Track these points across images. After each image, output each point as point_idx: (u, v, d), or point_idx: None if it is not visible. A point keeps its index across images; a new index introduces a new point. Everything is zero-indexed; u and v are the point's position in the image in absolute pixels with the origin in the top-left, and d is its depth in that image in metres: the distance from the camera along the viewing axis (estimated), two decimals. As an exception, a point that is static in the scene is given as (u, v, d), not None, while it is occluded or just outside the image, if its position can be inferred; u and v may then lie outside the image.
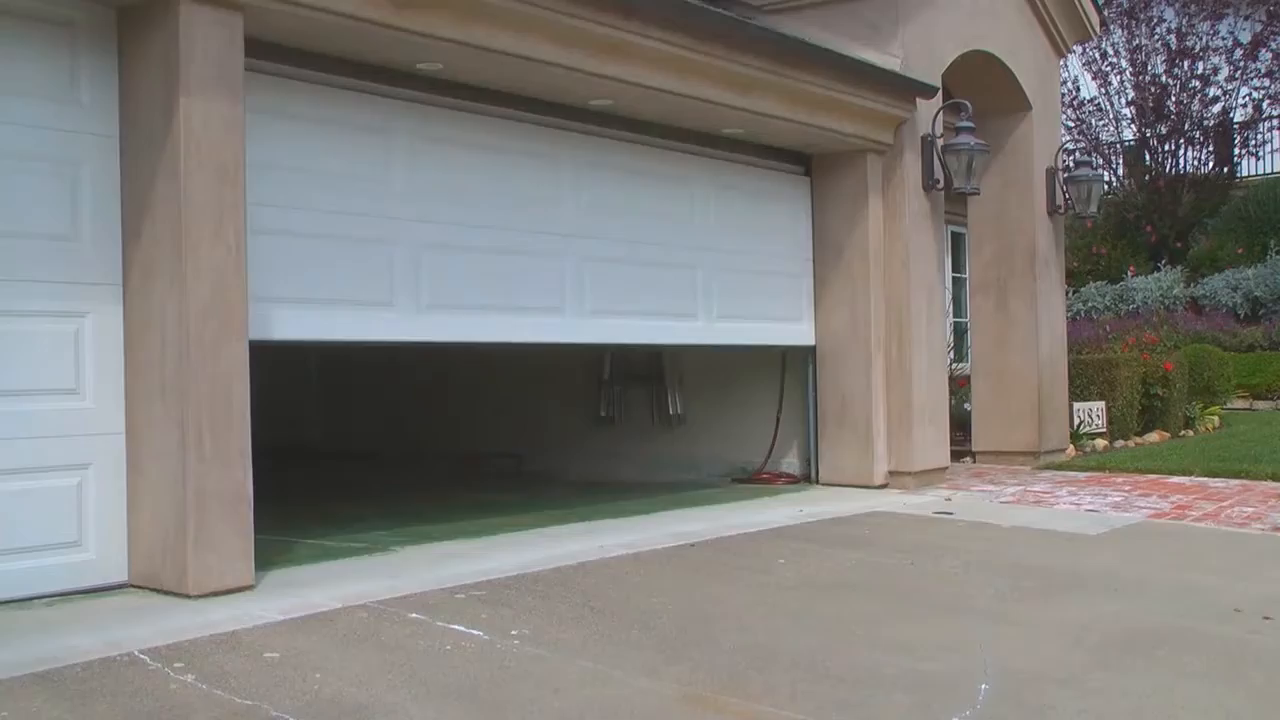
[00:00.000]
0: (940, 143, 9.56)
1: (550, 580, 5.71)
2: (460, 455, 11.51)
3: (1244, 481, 9.75)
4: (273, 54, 5.88)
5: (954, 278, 15.46)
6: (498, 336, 7.14)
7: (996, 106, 10.96)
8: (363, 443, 12.70)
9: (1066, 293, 13.81)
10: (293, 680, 4.13)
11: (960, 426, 11.48)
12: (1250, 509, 8.33)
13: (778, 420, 9.83)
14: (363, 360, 12.30)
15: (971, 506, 8.45)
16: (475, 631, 4.78)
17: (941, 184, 9.60)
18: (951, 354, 12.92)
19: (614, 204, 7.89)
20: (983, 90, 10.49)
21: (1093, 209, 11.46)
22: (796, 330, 9.35)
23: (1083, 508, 8.44)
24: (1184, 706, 4.16)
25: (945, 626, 5.15)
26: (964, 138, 9.42)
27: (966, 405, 11.81)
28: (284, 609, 5.02)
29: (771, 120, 8.35)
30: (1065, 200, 11.41)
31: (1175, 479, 9.95)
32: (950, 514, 8.07)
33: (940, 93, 9.60)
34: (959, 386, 11.99)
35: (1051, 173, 11.32)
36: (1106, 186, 22.19)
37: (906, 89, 9.15)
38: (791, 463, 9.78)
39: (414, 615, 4.99)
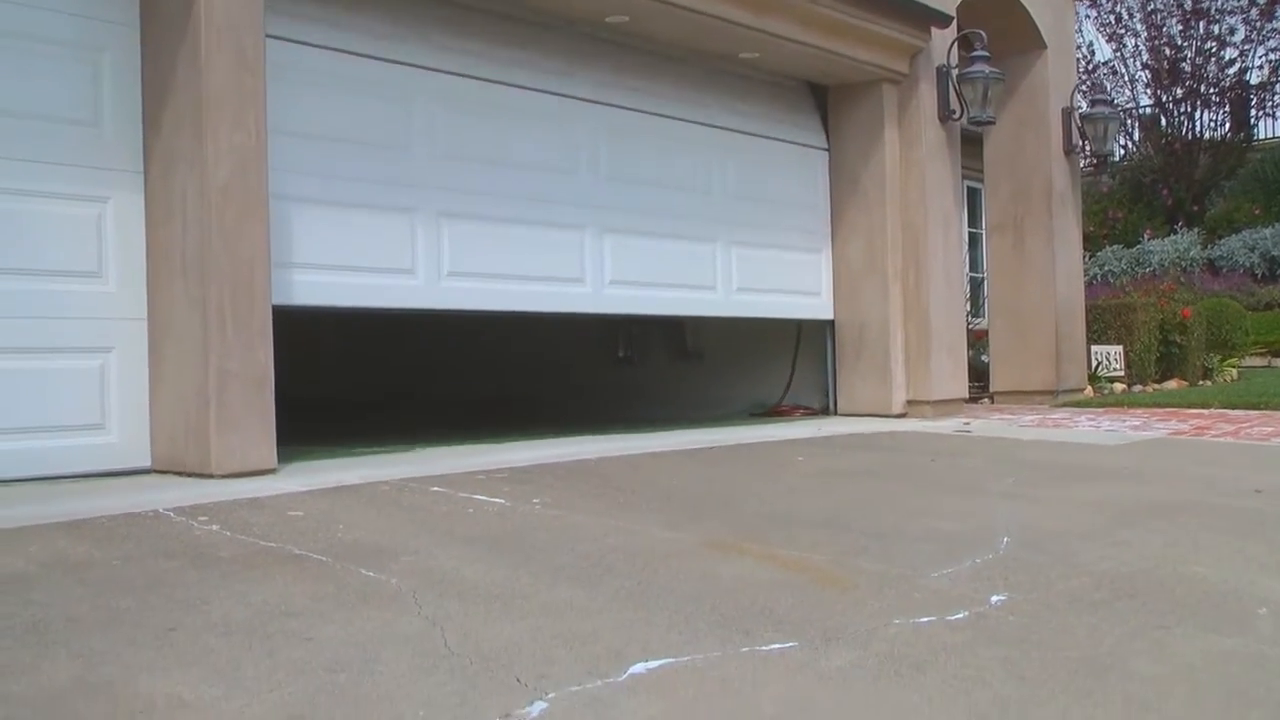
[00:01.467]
0: (955, 74, 9.54)
1: (570, 468, 5.73)
2: (482, 399, 11.54)
3: (1264, 412, 9.72)
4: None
5: (970, 233, 15.46)
6: (518, 306, 7.13)
7: (1012, 46, 10.93)
8: (383, 393, 12.74)
9: (1084, 257, 13.77)
10: (315, 530, 4.16)
11: (978, 378, 11.46)
12: (1270, 428, 8.30)
13: (795, 354, 9.83)
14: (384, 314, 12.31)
15: (991, 428, 8.45)
16: (497, 500, 4.80)
17: (958, 115, 9.58)
18: (969, 305, 12.90)
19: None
20: (998, 29, 10.44)
21: (1109, 147, 11.42)
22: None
23: (1102, 428, 8.42)
24: (1205, 552, 4.16)
25: (966, 502, 5.16)
26: (979, 66, 9.40)
27: (984, 357, 11.78)
28: (307, 484, 5.05)
29: (787, 44, 8.35)
30: (1081, 140, 11.37)
31: (1194, 410, 9.92)
32: (969, 432, 8.07)
33: (955, 24, 9.58)
34: (976, 339, 11.97)
35: (1067, 112, 11.28)
36: (1123, 151, 22.12)
37: (922, 16, 9.14)
38: (810, 396, 9.78)
39: (436, 488, 5.01)
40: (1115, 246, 20.70)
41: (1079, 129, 11.32)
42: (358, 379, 13.31)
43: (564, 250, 7.35)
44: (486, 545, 4.04)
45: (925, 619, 3.35)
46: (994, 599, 3.57)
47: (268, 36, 5.48)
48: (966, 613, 3.41)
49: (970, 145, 11.10)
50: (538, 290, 7.18)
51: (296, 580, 3.54)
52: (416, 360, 12.55)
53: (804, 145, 9.33)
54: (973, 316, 13.33)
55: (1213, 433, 8.13)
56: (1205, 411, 9.75)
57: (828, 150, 9.49)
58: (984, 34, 9.60)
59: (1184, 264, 19.38)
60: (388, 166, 6.40)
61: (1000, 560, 4.04)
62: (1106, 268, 20.35)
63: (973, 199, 15.27)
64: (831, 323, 9.46)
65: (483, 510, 4.59)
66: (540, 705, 2.67)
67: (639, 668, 2.91)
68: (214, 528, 4.12)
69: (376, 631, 3.10)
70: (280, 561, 3.74)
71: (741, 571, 3.84)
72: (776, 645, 3.12)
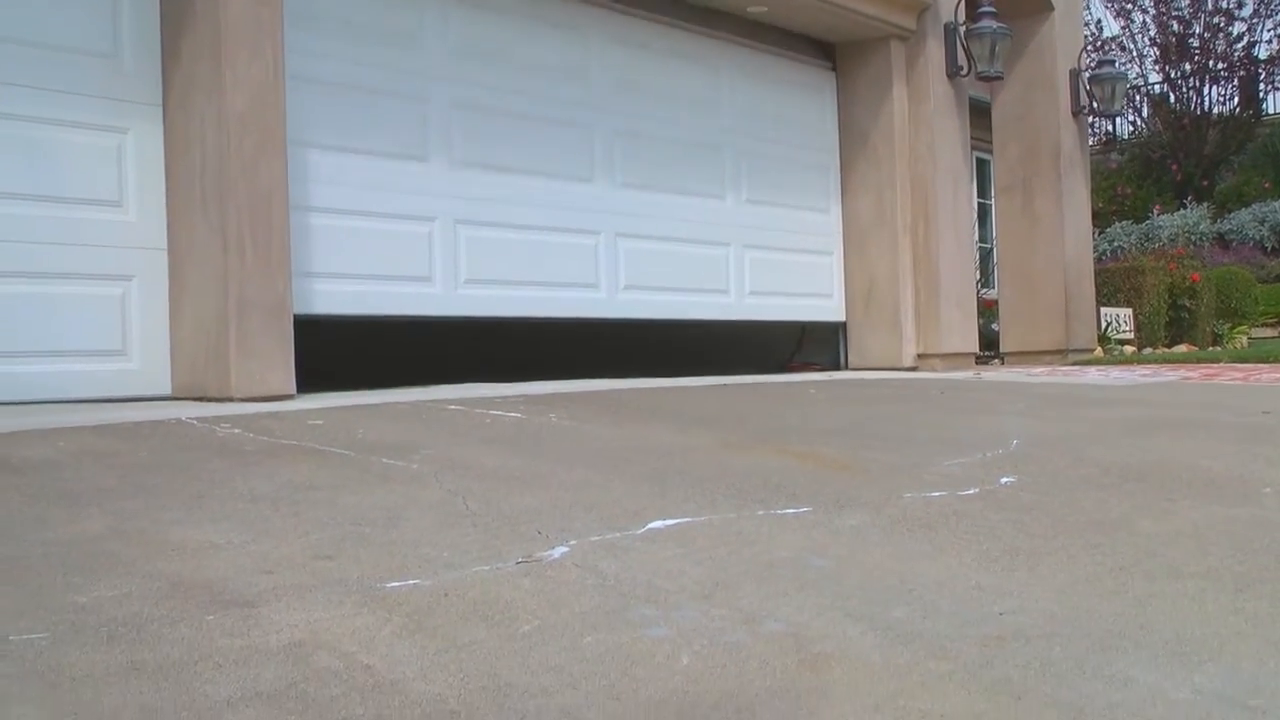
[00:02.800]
0: (963, 30, 9.59)
1: (585, 395, 5.80)
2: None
3: (1274, 364, 9.75)
4: None
5: (980, 204, 15.48)
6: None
7: (1019, 7, 10.95)
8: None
9: (1093, 233, 13.77)
10: (335, 432, 4.24)
11: (988, 345, 11.49)
12: None
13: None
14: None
15: (1002, 375, 8.50)
16: (513, 414, 4.87)
17: (966, 71, 9.63)
18: (978, 274, 12.94)
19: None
20: (1005, -12, 10.50)
21: (1117, 107, 11.44)
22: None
23: (1111, 376, 8.46)
24: (1212, 453, 4.22)
25: (977, 420, 5.22)
26: (986, 21, 9.45)
27: (994, 325, 11.81)
28: (326, 404, 5.13)
29: (795, -4, 8.41)
30: (1089, 100, 11.40)
31: (1203, 365, 9.95)
32: (981, 378, 8.12)
33: (962, -19, 9.63)
34: (986, 308, 12.01)
35: (1075, 73, 11.30)
36: (1131, 127, 22.12)
37: (929, -28, 9.19)
38: (820, 355, 9.82)
39: (453, 407, 5.08)
40: (1125, 222, 20.70)
41: (1087, 90, 11.35)
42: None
43: (580, 255, 7.41)
44: (504, 444, 4.12)
45: (936, 493, 3.42)
46: (1004, 480, 3.64)
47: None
48: (977, 489, 3.48)
49: (979, 117, 11.15)
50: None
51: (319, 467, 3.61)
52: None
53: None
54: (982, 287, 13.37)
55: (1222, 379, 8.16)
56: (1215, 365, 9.78)
57: (837, 112, 9.54)
58: (991, -12, 9.65)
59: (1194, 238, 19.38)
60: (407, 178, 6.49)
61: (1010, 455, 4.10)
62: (1116, 243, 20.35)
63: (981, 170, 15.29)
64: (845, 278, 9.50)
65: (500, 421, 4.66)
66: (561, 549, 2.74)
67: (657, 524, 2.99)
68: (236, 431, 4.20)
69: (399, 500, 3.18)
70: (303, 454, 3.81)
71: (755, 462, 3.91)
72: (791, 510, 3.19)
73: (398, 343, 7.65)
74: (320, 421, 4.48)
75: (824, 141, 9.45)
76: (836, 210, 9.50)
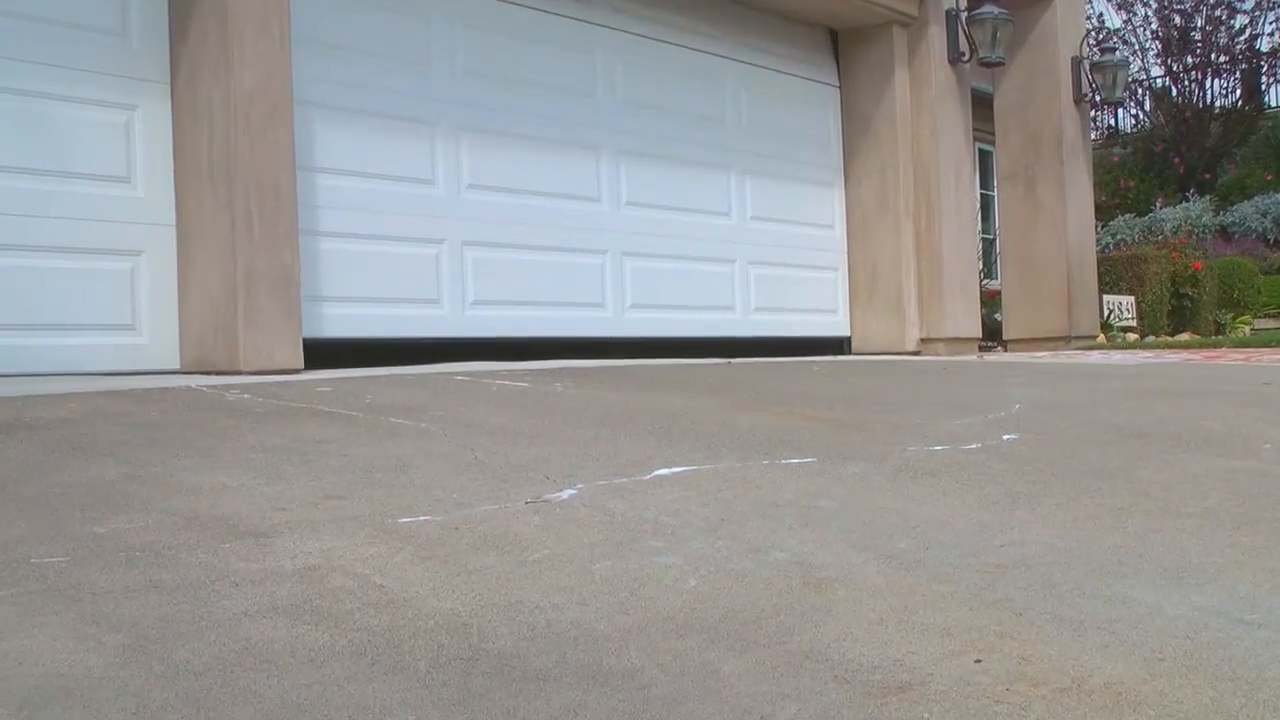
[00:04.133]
0: (964, 17, 9.62)
1: (591, 370, 5.83)
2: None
3: (1276, 349, 9.78)
4: None
5: (982, 195, 15.51)
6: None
7: (1021, -5, 11.01)
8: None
9: (1096, 226, 13.78)
10: (344, 397, 4.28)
11: (992, 335, 11.52)
12: (1281, 356, 8.37)
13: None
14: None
15: (1005, 358, 8.54)
16: (520, 384, 4.91)
17: (967, 56, 9.66)
18: (981, 265, 12.97)
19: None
20: (1007, -24, 10.53)
21: (1119, 94, 11.47)
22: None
23: (1113, 358, 8.50)
24: (1214, 415, 4.25)
25: (980, 389, 5.26)
26: (988, 7, 9.48)
27: (997, 315, 11.84)
28: (333, 376, 5.17)
29: (797, -19, 8.44)
30: (1091, 88, 11.43)
31: (1206, 349, 9.99)
32: (984, 359, 8.15)
33: (964, -32, 9.66)
34: (989, 298, 12.03)
35: (1077, 61, 11.32)
36: (1134, 120, 22.15)
37: (931, -42, 9.22)
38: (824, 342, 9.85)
39: (460, 378, 5.12)
40: (1127, 215, 20.72)
41: (1089, 78, 11.38)
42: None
43: (586, 275, 7.43)
44: (512, 407, 4.16)
45: (939, 447, 3.46)
46: (1006, 437, 3.67)
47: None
48: (980, 445, 3.52)
49: (981, 108, 11.17)
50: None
51: (329, 424, 3.66)
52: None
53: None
54: (985, 277, 13.40)
55: (1224, 360, 8.20)
56: (1217, 350, 9.81)
57: (840, 97, 9.56)
58: (992, -25, 9.68)
59: (1196, 230, 19.40)
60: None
61: (1013, 416, 4.14)
62: (1119, 236, 20.35)
63: (984, 162, 15.32)
64: (848, 262, 9.52)
65: (506, 390, 4.70)
66: (569, 492, 2.78)
67: (663, 471, 3.03)
68: (245, 396, 4.24)
69: (408, 451, 3.22)
70: (312, 415, 3.85)
71: (760, 421, 3.95)
72: (795, 460, 3.23)
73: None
74: (329, 389, 4.53)
75: (828, 158, 9.46)
76: (841, 226, 9.47)
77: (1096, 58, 11.53)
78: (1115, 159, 21.55)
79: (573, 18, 7.40)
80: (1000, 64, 9.88)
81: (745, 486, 2.89)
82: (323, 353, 5.76)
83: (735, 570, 2.23)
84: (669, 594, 2.09)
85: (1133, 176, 21.19)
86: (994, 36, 9.42)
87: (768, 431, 3.69)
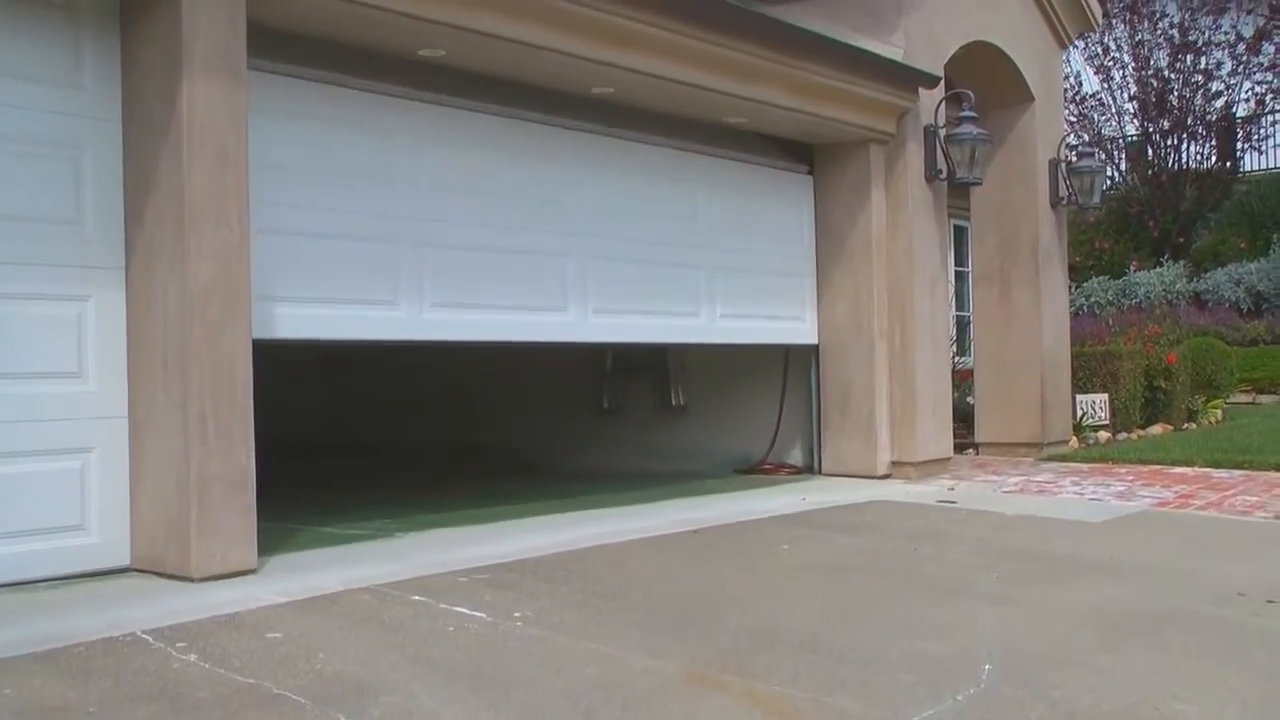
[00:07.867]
0: (943, 133, 9.55)
1: (554, 564, 5.70)
2: (463, 447, 11.51)
3: (1247, 472, 9.73)
4: (275, 46, 5.87)
5: (957, 271, 15.47)
6: (501, 335, 7.09)
7: (999, 99, 10.96)
8: (364, 435, 12.70)
9: (1070, 287, 13.79)
10: (295, 659, 4.13)
11: (963, 420, 11.48)
12: (1254, 498, 8.31)
13: (780, 411, 9.83)
14: (364, 354, 12.29)
15: (975, 495, 8.45)
16: (478, 614, 4.77)
17: (945, 174, 9.59)
18: (954, 347, 12.93)
19: (618, 201, 7.87)
20: (985, 82, 10.47)
21: (1095, 200, 11.46)
22: (798, 328, 9.35)
23: (1086, 496, 8.43)
24: (1188, 685, 4.15)
25: (949, 612, 5.15)
26: (967, 127, 9.42)
27: (969, 399, 11.80)
28: (286, 591, 5.02)
29: (774, 109, 8.35)
30: (1068, 191, 11.40)
31: (1178, 469, 9.93)
32: (953, 503, 8.06)
33: (943, 83, 9.59)
34: (961, 380, 11.99)
35: (1054, 164, 11.31)
36: (1109, 181, 22.19)
37: (909, 79, 9.14)
38: (794, 453, 9.78)
39: (416, 598, 4.98)
40: (1102, 277, 20.78)
41: (1065, 181, 11.34)
42: (338, 422, 13.26)
43: (548, 279, 7.33)
44: (467, 680, 4.02)
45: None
46: (975, 754, 3.55)
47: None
48: (947, 773, 3.40)
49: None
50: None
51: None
52: (398, 405, 12.51)
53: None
54: (958, 357, 13.36)
55: (1197, 503, 8.14)
56: (1189, 472, 9.76)
57: (814, 215, 9.49)
58: (972, 94, 9.63)
59: (1170, 297, 19.44)
60: (368, 198, 6.41)
61: (982, 695, 4.02)
62: (1093, 299, 20.42)
63: (959, 237, 15.27)
64: (818, 384, 9.44)
65: (463, 628, 4.56)
66: None
67: None
68: (191, 658, 4.09)
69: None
70: (259, 704, 3.70)
71: (721, 711, 3.82)
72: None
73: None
74: (279, 635, 4.38)
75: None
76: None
77: (1073, 161, 11.51)
78: (1090, 219, 21.59)
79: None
80: (978, 184, 9.81)
81: None
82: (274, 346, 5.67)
83: None
84: None
85: (1107, 237, 21.25)
86: (972, 156, 9.39)
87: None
